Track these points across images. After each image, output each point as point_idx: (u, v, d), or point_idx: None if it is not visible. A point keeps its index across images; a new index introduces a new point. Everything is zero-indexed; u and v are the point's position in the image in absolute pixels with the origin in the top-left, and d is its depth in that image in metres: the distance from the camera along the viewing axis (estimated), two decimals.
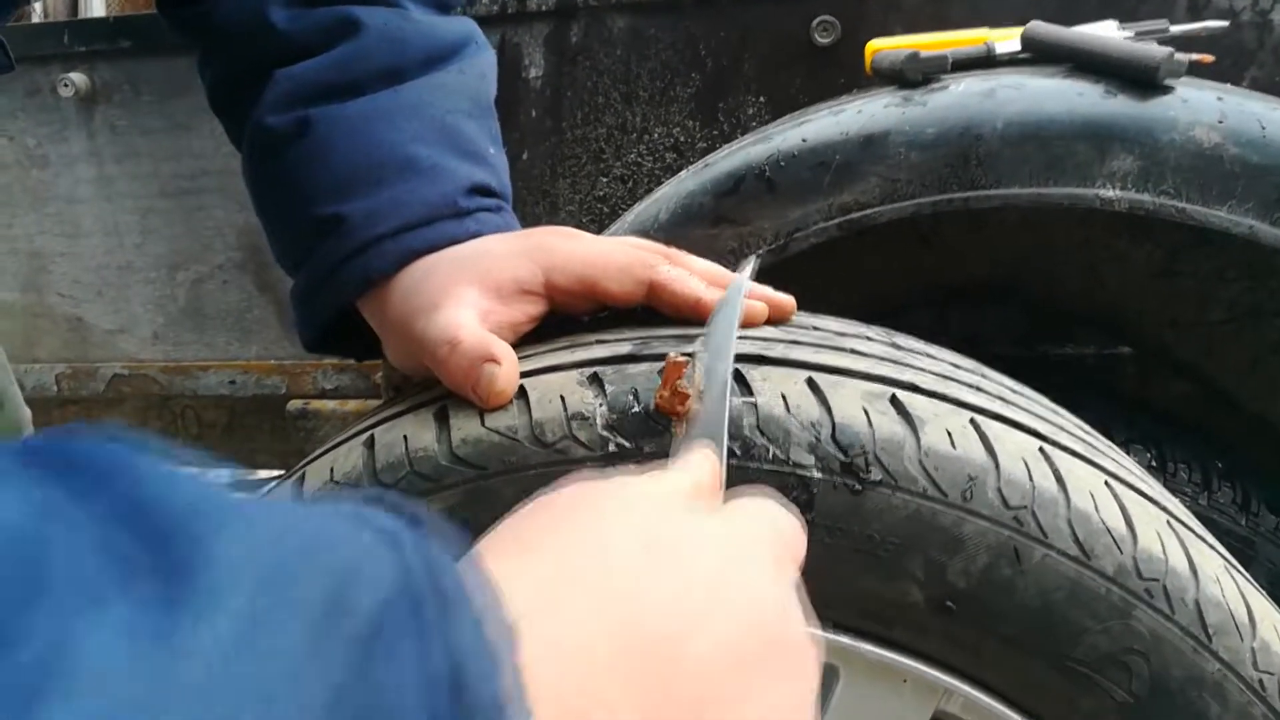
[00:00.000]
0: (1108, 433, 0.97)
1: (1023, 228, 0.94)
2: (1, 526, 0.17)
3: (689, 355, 0.45)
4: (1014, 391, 0.55)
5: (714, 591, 0.29)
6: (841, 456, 0.45)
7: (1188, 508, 0.89)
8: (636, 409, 0.46)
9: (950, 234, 0.95)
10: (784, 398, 0.46)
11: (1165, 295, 0.97)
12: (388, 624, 0.21)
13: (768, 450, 0.45)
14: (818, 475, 0.45)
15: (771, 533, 0.34)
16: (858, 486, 0.44)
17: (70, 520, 0.18)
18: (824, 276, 0.94)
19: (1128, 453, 0.98)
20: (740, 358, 0.47)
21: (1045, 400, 0.59)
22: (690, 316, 0.54)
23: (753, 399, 0.46)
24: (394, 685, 0.21)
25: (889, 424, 0.45)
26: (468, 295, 0.54)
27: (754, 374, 0.47)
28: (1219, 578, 0.46)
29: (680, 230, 0.87)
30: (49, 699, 0.16)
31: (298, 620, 0.20)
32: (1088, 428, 0.59)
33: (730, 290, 0.51)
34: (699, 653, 0.27)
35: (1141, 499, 0.47)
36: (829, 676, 0.48)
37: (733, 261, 0.87)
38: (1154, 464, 0.99)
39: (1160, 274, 0.95)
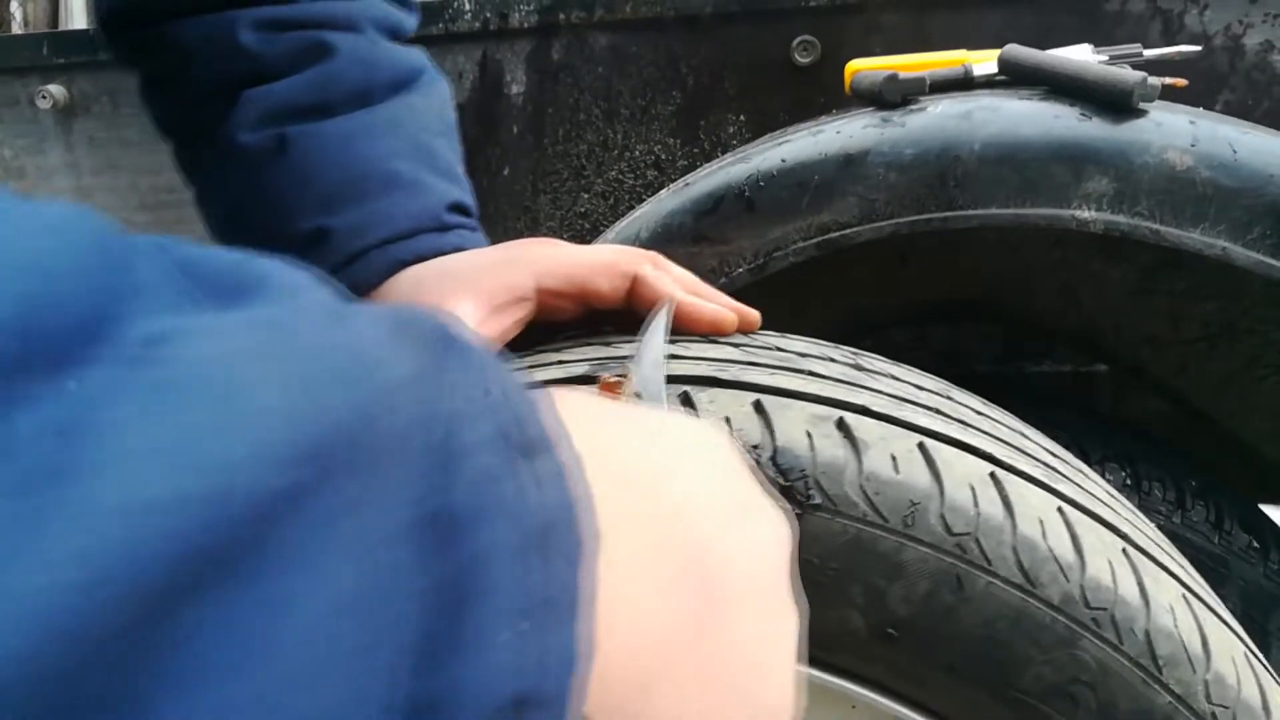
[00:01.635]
0: (1083, 451, 0.99)
1: (1000, 248, 0.95)
2: (87, 233, 0.17)
3: (623, 376, 0.44)
4: (978, 413, 0.55)
5: (682, 452, 0.30)
6: (781, 480, 0.44)
7: (1161, 526, 0.90)
8: None
9: (928, 254, 0.96)
10: (728, 421, 0.45)
11: (1140, 314, 0.98)
12: (447, 340, 0.23)
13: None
14: None
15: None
16: (797, 511, 0.44)
17: (144, 250, 0.19)
18: (803, 296, 0.95)
19: (1103, 471, 0.99)
20: (692, 380, 0.47)
21: (1015, 422, 0.59)
22: None
23: None
24: (464, 390, 0.22)
25: (831, 447, 0.45)
26: (462, 308, 0.55)
27: (702, 397, 0.47)
28: (1173, 607, 0.46)
29: (661, 249, 0.87)
30: (170, 344, 0.17)
31: (373, 317, 0.21)
32: (1058, 450, 0.59)
33: (656, 311, 0.52)
34: (677, 493, 0.28)
35: (1097, 525, 0.47)
36: None
37: (712, 281, 0.88)
38: (1129, 482, 1.00)
39: (1135, 293, 0.96)
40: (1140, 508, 0.90)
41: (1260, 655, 0.51)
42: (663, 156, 1.11)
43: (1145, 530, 0.53)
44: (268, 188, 0.61)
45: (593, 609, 0.22)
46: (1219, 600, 0.54)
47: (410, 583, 0.19)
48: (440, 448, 0.20)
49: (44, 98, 1.17)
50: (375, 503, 0.19)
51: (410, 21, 0.70)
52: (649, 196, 0.96)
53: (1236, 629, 0.51)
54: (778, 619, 0.29)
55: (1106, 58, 0.91)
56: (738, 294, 0.79)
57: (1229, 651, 0.47)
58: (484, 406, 0.22)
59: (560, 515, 0.22)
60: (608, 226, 0.98)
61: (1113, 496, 0.57)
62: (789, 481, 0.44)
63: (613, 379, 0.44)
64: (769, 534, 0.30)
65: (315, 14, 0.63)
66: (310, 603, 0.17)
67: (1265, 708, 0.46)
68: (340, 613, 0.18)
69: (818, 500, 0.44)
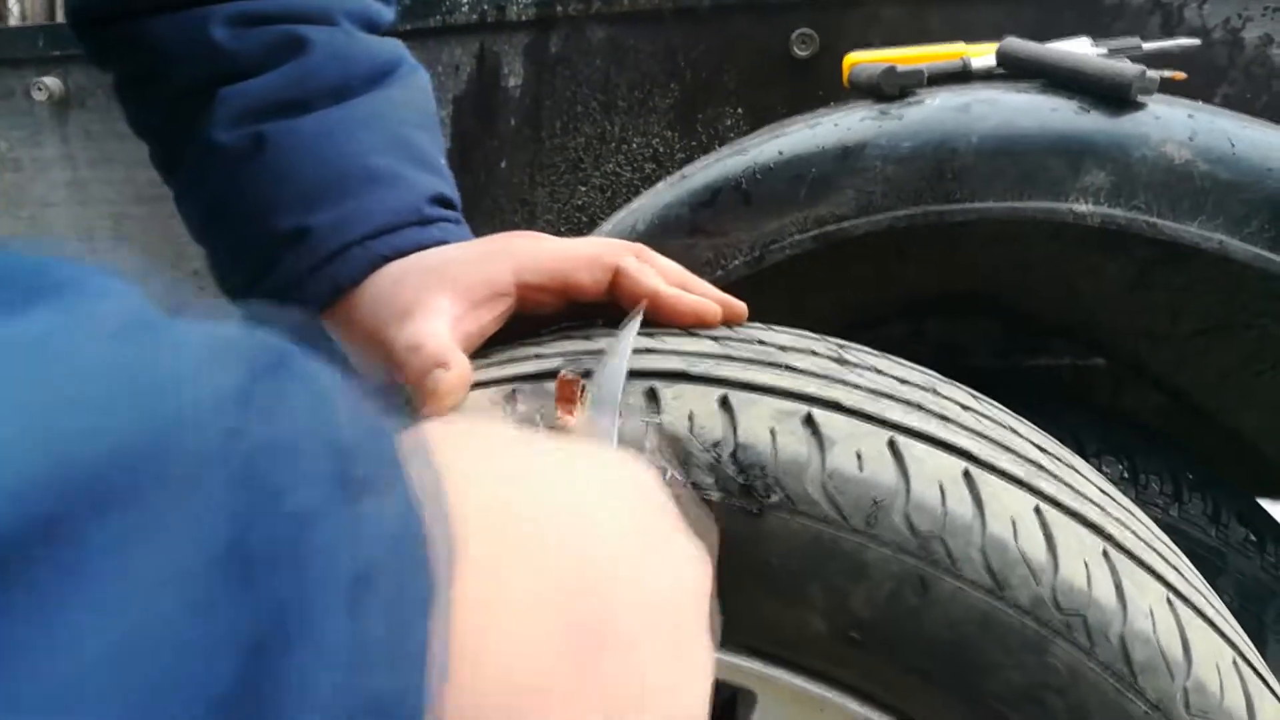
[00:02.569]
0: (1080, 444, 0.99)
1: (998, 241, 0.94)
2: None
3: (579, 374, 0.44)
4: (964, 408, 0.54)
5: (588, 486, 0.29)
6: (740, 478, 0.43)
7: (1157, 519, 0.90)
8: (542, 429, 0.45)
9: (926, 247, 0.95)
10: (690, 417, 0.44)
11: (1138, 308, 0.98)
12: (277, 361, 0.21)
13: (666, 471, 0.44)
14: (715, 497, 0.43)
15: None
16: (755, 509, 0.43)
17: None
18: (800, 288, 0.94)
19: (1100, 465, 0.99)
20: (660, 374, 0.47)
21: (1006, 416, 0.58)
22: (646, 310, 0.56)
23: (658, 418, 0.45)
24: (286, 417, 0.20)
25: (794, 444, 0.44)
26: (440, 304, 0.55)
27: (667, 392, 0.46)
28: (1153, 611, 0.44)
29: (657, 241, 0.88)
30: None
31: (192, 332, 0.20)
32: (1050, 445, 0.58)
33: (630, 318, 0.52)
34: (573, 528, 0.27)
35: (1076, 525, 0.46)
36: (747, 701, 0.48)
37: (709, 273, 0.88)
38: (1126, 476, 1.00)
39: (1133, 287, 0.96)
40: (1137, 501, 0.90)
41: (1254, 659, 0.50)
42: (660, 149, 1.10)
43: (1136, 530, 0.52)
44: (246, 187, 0.60)
45: (434, 656, 0.21)
46: (1213, 601, 0.52)
47: (206, 631, 0.17)
48: (247, 480, 0.19)
49: (40, 90, 1.18)
50: (158, 539, 0.17)
51: (387, 14, 0.69)
52: (647, 189, 0.96)
53: (1227, 632, 0.49)
54: (682, 663, 0.28)
55: (1105, 51, 0.90)
56: (734, 287, 0.80)
57: (1214, 657, 0.46)
58: (309, 436, 0.20)
59: (391, 558, 0.21)
60: (605, 219, 0.98)
61: (1104, 494, 0.55)
62: (748, 479, 0.43)
63: (570, 376, 0.44)
64: (679, 575, 0.29)
65: (288, 8, 0.62)
66: (63, 654, 0.15)
67: (1251, 716, 0.45)
68: (106, 663, 0.16)
69: (777, 498, 0.43)
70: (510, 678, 0.24)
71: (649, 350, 0.49)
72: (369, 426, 0.23)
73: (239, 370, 0.20)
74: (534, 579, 0.25)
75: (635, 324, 0.49)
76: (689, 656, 0.29)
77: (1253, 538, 0.99)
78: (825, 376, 0.49)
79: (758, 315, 0.63)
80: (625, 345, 0.46)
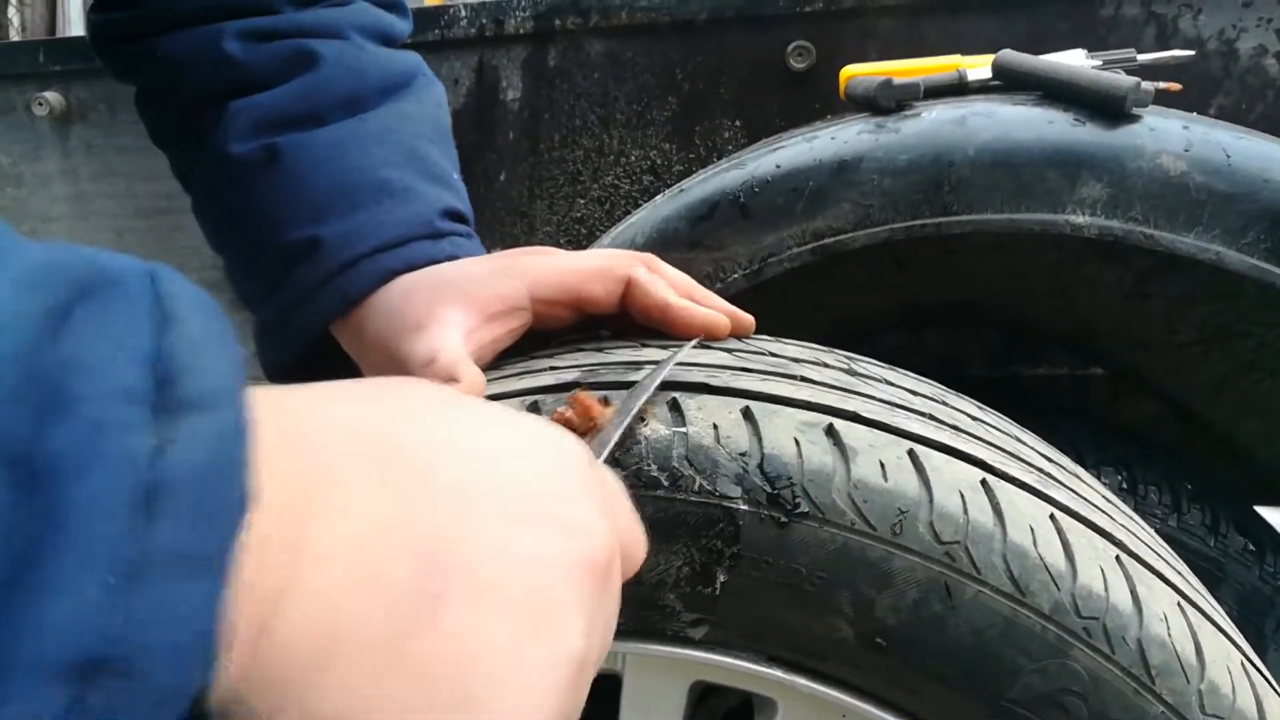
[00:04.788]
0: (1079, 455, 0.99)
1: (995, 252, 0.95)
2: None
3: (593, 385, 0.45)
4: (972, 419, 0.54)
5: (489, 443, 0.28)
6: (768, 488, 0.44)
7: (1156, 530, 0.90)
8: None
9: (924, 259, 0.96)
10: (715, 427, 0.45)
11: (1136, 318, 0.98)
12: (96, 284, 0.21)
13: (694, 481, 0.44)
14: (744, 507, 0.44)
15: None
16: (784, 519, 0.43)
17: None
18: (799, 301, 0.95)
19: (1099, 475, 0.99)
20: (682, 385, 0.47)
21: (1011, 427, 0.59)
22: (657, 321, 0.56)
23: (684, 429, 0.45)
24: (93, 338, 0.21)
25: (819, 455, 0.44)
26: (452, 316, 0.55)
27: (690, 403, 0.46)
28: (1166, 615, 0.45)
29: (656, 255, 0.87)
30: None
31: (10, 257, 0.20)
32: (1054, 454, 0.59)
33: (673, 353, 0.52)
34: (448, 478, 0.26)
35: (1090, 532, 0.46)
36: (767, 709, 0.48)
37: (708, 287, 0.88)
38: (1124, 486, 1.00)
39: (1130, 297, 0.96)
40: (1136, 511, 0.90)
41: (1258, 663, 0.51)
42: (659, 162, 1.11)
43: (1142, 536, 0.53)
44: (259, 198, 0.61)
45: (224, 577, 0.21)
46: (1217, 607, 0.53)
47: None
48: (38, 391, 0.20)
49: (41, 104, 1.17)
50: None
51: (402, 26, 0.70)
52: (645, 202, 0.96)
53: (1233, 636, 0.50)
54: (539, 633, 0.26)
55: (1100, 62, 0.91)
56: (734, 300, 0.80)
57: (1224, 660, 0.47)
58: (116, 357, 0.21)
59: (190, 477, 0.21)
60: (604, 232, 0.98)
61: (1109, 502, 0.56)
62: (775, 489, 0.43)
63: (584, 394, 0.44)
64: (565, 547, 0.28)
65: (299, 23, 0.63)
66: None
67: (1261, 717, 0.46)
68: None
69: (805, 508, 0.43)
70: (324, 621, 0.23)
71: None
72: (211, 352, 0.23)
73: (56, 290, 0.21)
74: (368, 513, 0.24)
75: (679, 354, 0.49)
76: (555, 630, 0.27)
77: (1251, 547, 0.99)
78: (840, 388, 0.49)
79: (758, 328, 0.63)
80: (661, 372, 0.46)
